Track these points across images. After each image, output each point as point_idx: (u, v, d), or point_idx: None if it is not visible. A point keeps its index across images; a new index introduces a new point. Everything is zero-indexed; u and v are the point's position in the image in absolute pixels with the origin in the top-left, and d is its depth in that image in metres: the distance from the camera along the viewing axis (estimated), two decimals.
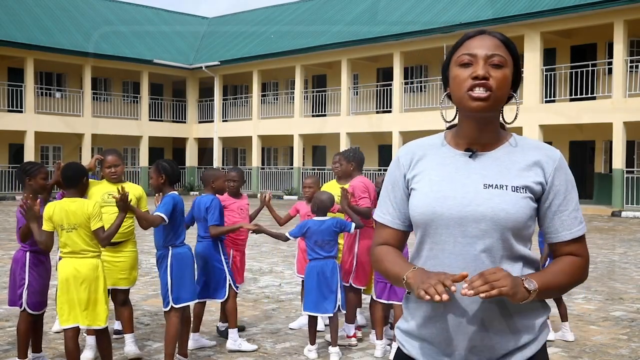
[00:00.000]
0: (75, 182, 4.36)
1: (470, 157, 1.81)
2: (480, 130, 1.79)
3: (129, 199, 4.48)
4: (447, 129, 1.92)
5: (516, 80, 1.81)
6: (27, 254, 4.64)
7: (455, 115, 1.87)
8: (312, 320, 5.16)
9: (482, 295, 1.55)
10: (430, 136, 1.94)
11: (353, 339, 5.55)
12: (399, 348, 1.90)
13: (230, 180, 5.82)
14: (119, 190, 4.44)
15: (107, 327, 4.47)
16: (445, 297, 1.56)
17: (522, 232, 1.75)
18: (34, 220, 4.30)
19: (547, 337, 1.83)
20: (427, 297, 1.57)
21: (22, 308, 4.64)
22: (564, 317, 5.75)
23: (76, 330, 4.35)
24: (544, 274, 1.73)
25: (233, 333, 5.33)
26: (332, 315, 5.11)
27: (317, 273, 5.07)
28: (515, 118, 1.84)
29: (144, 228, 4.87)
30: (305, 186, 6.11)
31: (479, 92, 1.72)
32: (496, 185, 1.74)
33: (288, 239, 5.26)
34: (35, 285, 4.64)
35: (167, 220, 4.65)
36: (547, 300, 1.84)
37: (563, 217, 1.77)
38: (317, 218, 5.18)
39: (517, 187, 1.74)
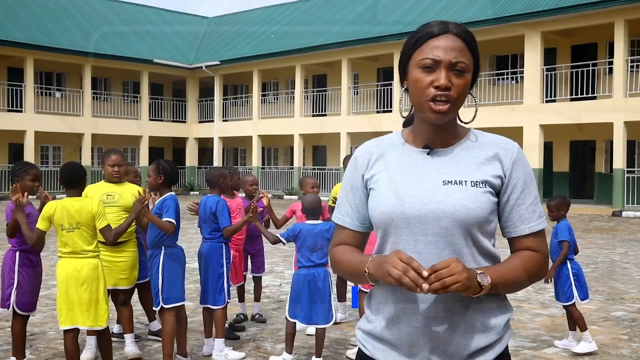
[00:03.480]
0: (77, 182, 4.35)
1: (428, 154, 1.77)
2: (438, 130, 1.77)
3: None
4: (404, 125, 1.89)
5: (474, 79, 1.78)
6: (17, 253, 4.59)
7: (411, 111, 1.83)
8: (291, 327, 4.89)
9: (433, 291, 1.54)
10: (388, 135, 1.90)
11: None
12: (359, 349, 1.85)
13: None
14: (139, 193, 4.62)
15: (107, 327, 4.46)
16: (425, 287, 1.53)
17: (484, 228, 1.71)
18: (22, 215, 4.31)
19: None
20: (404, 286, 1.55)
21: (10, 309, 4.58)
22: (582, 325, 5.32)
23: (76, 331, 4.33)
24: (500, 268, 1.69)
25: (219, 343, 5.10)
26: (323, 327, 4.85)
27: (309, 282, 4.78)
28: (473, 118, 1.81)
29: (145, 230, 4.90)
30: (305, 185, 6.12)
31: (440, 105, 1.68)
32: (455, 181, 1.71)
33: (279, 242, 5.00)
34: (24, 286, 4.58)
35: (176, 224, 4.69)
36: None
37: (521, 210, 1.73)
38: (310, 222, 4.94)
39: (476, 182, 1.71)
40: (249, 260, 6.48)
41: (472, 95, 1.81)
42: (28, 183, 4.61)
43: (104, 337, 4.49)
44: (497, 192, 1.74)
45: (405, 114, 1.87)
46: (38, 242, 4.34)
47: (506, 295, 1.79)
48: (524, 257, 1.73)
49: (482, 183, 1.71)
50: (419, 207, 1.70)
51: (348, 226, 1.87)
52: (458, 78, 1.69)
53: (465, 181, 1.71)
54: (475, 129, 1.87)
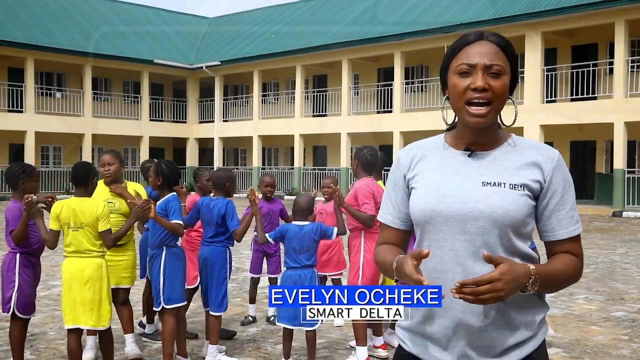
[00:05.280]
0: (82, 181, 4.35)
1: (469, 156, 1.83)
2: (479, 134, 1.83)
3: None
4: (447, 130, 1.95)
5: (513, 83, 1.83)
6: (17, 255, 4.54)
7: (455, 118, 1.89)
8: (287, 333, 4.78)
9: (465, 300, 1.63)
10: (431, 137, 1.97)
11: (380, 350, 5.12)
12: (399, 346, 1.91)
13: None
14: (137, 192, 4.61)
15: (110, 328, 4.46)
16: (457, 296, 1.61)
17: (520, 229, 1.77)
18: (40, 217, 4.33)
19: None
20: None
21: (11, 312, 4.52)
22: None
23: (79, 330, 4.33)
24: (547, 269, 1.74)
25: (212, 349, 4.98)
26: (311, 330, 4.74)
27: (294, 283, 4.60)
28: (514, 121, 1.86)
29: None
30: (324, 186, 6.05)
31: (478, 108, 1.74)
32: (494, 183, 1.76)
33: (267, 242, 4.89)
34: (25, 288, 4.53)
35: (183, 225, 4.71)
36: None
37: (560, 215, 1.79)
38: (297, 223, 4.80)
39: (515, 184, 1.76)
40: (265, 261, 6.44)
41: (511, 99, 1.85)
42: (33, 184, 4.60)
43: (105, 337, 4.48)
44: (536, 196, 1.79)
45: (450, 120, 1.92)
46: (55, 243, 4.34)
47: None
48: (566, 260, 1.79)
49: (521, 186, 1.76)
50: (458, 206, 1.76)
51: (390, 224, 1.95)
52: (495, 80, 1.75)
53: (504, 183, 1.76)
54: None
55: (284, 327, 4.75)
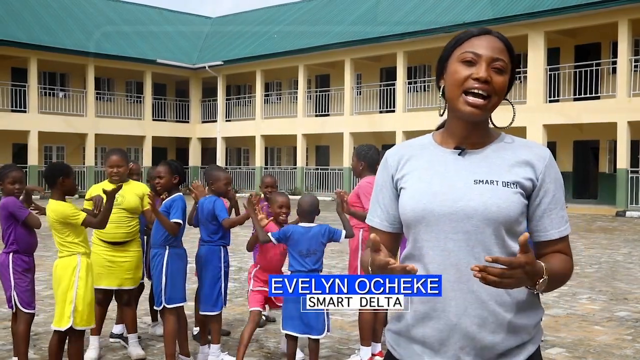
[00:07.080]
0: (48, 182, 4.35)
1: (459, 154, 1.78)
2: (470, 131, 1.78)
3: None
4: (437, 129, 1.90)
5: (510, 85, 1.80)
6: (10, 255, 4.60)
7: (444, 111, 1.83)
8: (291, 341, 4.58)
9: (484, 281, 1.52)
10: (418, 137, 1.91)
11: (377, 357, 4.91)
12: (388, 352, 1.85)
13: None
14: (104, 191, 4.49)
15: (78, 332, 4.32)
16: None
17: (514, 228, 1.72)
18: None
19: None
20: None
21: (15, 309, 4.60)
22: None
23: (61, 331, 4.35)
24: (553, 269, 1.67)
25: (215, 348, 4.92)
26: (316, 337, 4.54)
27: None
28: (511, 122, 1.83)
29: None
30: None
31: (476, 99, 1.70)
32: (487, 180, 1.72)
33: (269, 241, 4.58)
34: (22, 285, 4.59)
35: (182, 225, 4.69)
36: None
37: (552, 215, 1.76)
38: (303, 224, 4.57)
39: (507, 182, 1.72)
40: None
41: (508, 100, 1.82)
42: (9, 186, 4.70)
43: (71, 340, 4.35)
44: (528, 195, 1.75)
45: (444, 114, 1.87)
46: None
47: (539, 295, 1.81)
48: (562, 260, 1.76)
49: (514, 184, 1.72)
50: (450, 204, 1.71)
51: (377, 227, 1.88)
52: (497, 75, 1.72)
53: (497, 181, 1.72)
54: None
55: (288, 335, 4.56)
